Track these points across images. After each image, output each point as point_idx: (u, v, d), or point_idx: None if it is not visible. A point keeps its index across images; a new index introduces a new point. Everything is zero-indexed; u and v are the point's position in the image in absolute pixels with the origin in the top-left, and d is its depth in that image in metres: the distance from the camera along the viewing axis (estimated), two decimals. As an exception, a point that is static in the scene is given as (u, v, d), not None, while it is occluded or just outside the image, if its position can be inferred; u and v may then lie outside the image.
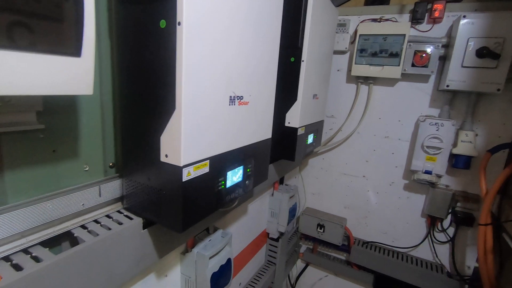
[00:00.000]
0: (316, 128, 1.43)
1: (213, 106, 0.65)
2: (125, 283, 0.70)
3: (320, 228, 1.80)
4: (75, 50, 0.44)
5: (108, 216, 0.69)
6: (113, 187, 0.71)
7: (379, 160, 1.71)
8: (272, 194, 1.57)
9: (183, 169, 0.60)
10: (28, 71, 0.39)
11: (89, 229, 0.63)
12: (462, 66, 1.30)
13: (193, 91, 0.58)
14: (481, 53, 1.24)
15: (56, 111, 0.57)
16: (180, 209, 0.62)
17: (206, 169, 0.67)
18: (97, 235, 0.62)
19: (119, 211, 0.72)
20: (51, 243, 0.61)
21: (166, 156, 0.61)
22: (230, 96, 0.71)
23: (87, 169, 0.66)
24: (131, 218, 0.70)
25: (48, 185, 0.59)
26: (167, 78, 0.57)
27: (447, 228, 1.57)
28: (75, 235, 0.61)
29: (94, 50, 0.46)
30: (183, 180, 0.60)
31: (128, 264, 0.68)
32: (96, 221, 0.66)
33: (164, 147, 0.61)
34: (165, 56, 0.56)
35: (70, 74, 0.44)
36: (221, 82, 0.67)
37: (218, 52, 0.64)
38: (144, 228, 0.71)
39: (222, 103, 0.69)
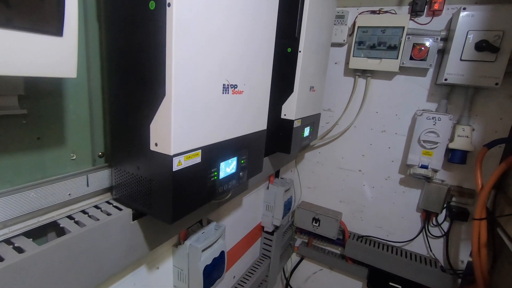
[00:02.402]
0: (312, 121, 1.41)
1: (205, 94, 0.63)
2: (114, 275, 0.69)
3: (315, 222, 1.80)
4: (56, 29, 0.41)
5: (96, 206, 0.67)
6: (102, 177, 0.69)
7: (375, 154, 1.70)
8: (268, 187, 1.56)
9: (174, 158, 0.58)
10: (4, 50, 0.37)
11: (76, 219, 0.61)
12: (461, 60, 1.29)
13: (184, 77, 0.56)
14: (480, 46, 1.22)
15: (40, 96, 0.55)
16: (170, 199, 0.60)
17: (198, 159, 0.65)
18: (84, 225, 0.60)
19: (108, 202, 0.70)
20: (37, 234, 0.59)
21: (156, 144, 0.59)
22: (224, 84, 0.69)
23: (74, 158, 0.63)
24: (120, 209, 0.68)
25: (33, 173, 0.57)
26: (157, 63, 0.55)
27: (442, 223, 1.58)
28: (61, 225, 0.59)
29: (77, 30, 0.44)
30: (174, 169, 0.58)
31: (117, 256, 0.66)
32: (83, 212, 0.64)
33: (154, 135, 0.59)
34: (155, 40, 0.54)
35: (51, 55, 0.42)
36: (214, 69, 0.64)
37: (211, 38, 0.61)
38: (134, 219, 0.69)
39: (215, 91, 0.66)
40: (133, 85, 0.60)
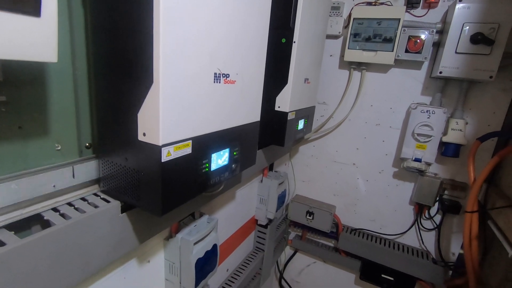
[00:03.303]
0: (307, 113, 1.40)
1: (195, 82, 0.61)
2: (102, 269, 0.67)
3: (309, 215, 1.80)
4: (32, 8, 0.38)
5: (83, 198, 0.65)
6: (89, 168, 0.66)
7: (369, 148, 1.70)
8: (261, 181, 1.55)
9: (162, 148, 0.56)
10: (-25, 29, 0.34)
11: (61, 212, 0.59)
12: (456, 52, 1.28)
13: (173, 64, 0.54)
14: (476, 38, 1.22)
15: (21, 83, 0.52)
16: (160, 191, 0.58)
17: (188, 150, 0.63)
18: (70, 218, 0.58)
19: (95, 194, 0.68)
20: (20, 227, 0.57)
21: (144, 134, 0.57)
22: (215, 73, 0.67)
23: (59, 148, 0.61)
24: (108, 201, 0.66)
25: (14, 164, 0.54)
26: (144, 48, 0.52)
27: (434, 216, 1.59)
28: (45, 218, 0.57)
29: (56, 11, 0.41)
30: (163, 160, 0.56)
31: (105, 249, 0.64)
32: (69, 204, 0.62)
33: (142, 125, 0.57)
34: (142, 24, 0.51)
35: (28, 37, 0.39)
36: (204, 56, 0.62)
37: (201, 22, 0.59)
38: (123, 211, 0.67)
39: (206, 80, 0.64)
40: (120, 72, 0.58)
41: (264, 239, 1.66)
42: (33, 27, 0.39)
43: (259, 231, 1.66)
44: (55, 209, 0.60)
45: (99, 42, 0.60)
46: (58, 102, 0.59)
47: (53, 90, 0.58)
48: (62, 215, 0.59)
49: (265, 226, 1.64)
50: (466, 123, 1.42)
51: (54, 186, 0.60)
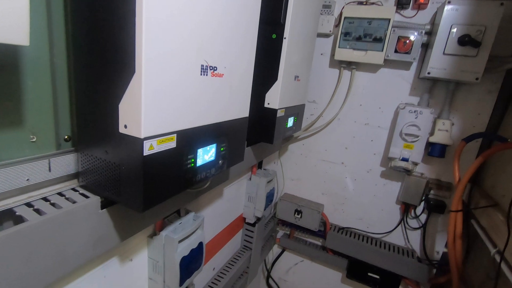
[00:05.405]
0: (296, 111, 1.39)
1: (181, 73, 0.59)
2: (81, 267, 0.64)
3: (298, 214, 1.80)
4: (1, -15, 0.35)
5: (60, 193, 0.62)
6: (67, 162, 0.63)
7: (358, 147, 1.71)
8: (250, 178, 1.53)
9: (144, 141, 0.53)
10: None
11: (35, 207, 0.56)
12: (444, 54, 1.29)
13: (157, 52, 0.51)
14: (463, 40, 1.23)
15: (-10, 69, 0.49)
16: (141, 186, 0.56)
17: (172, 144, 0.61)
18: (45, 214, 0.55)
19: (73, 189, 0.65)
20: (-10, 223, 0.54)
21: (125, 126, 0.54)
22: (202, 65, 0.64)
23: (34, 140, 0.58)
24: (87, 197, 0.63)
25: (-17, 155, 0.51)
26: (125, 33, 0.50)
27: (420, 215, 1.61)
28: (17, 213, 0.54)
29: (28, -11, 0.38)
30: (144, 154, 0.54)
31: (83, 247, 0.61)
32: (45, 199, 0.59)
33: (123, 116, 0.54)
34: (123, 9, 0.49)
35: (-4, 16, 0.36)
36: (190, 47, 0.60)
37: (188, 10, 0.57)
38: (103, 207, 0.64)
39: (192, 72, 0.62)
40: (101, 61, 0.55)
41: (251, 237, 1.65)
42: (0, 6, 0.36)
43: (247, 229, 1.65)
44: (28, 204, 0.56)
45: (79, 27, 0.57)
46: (33, 92, 0.56)
47: (27, 77, 0.54)
48: (37, 210, 0.56)
49: (253, 225, 1.62)
50: (452, 124, 1.44)
51: (28, 180, 0.56)
